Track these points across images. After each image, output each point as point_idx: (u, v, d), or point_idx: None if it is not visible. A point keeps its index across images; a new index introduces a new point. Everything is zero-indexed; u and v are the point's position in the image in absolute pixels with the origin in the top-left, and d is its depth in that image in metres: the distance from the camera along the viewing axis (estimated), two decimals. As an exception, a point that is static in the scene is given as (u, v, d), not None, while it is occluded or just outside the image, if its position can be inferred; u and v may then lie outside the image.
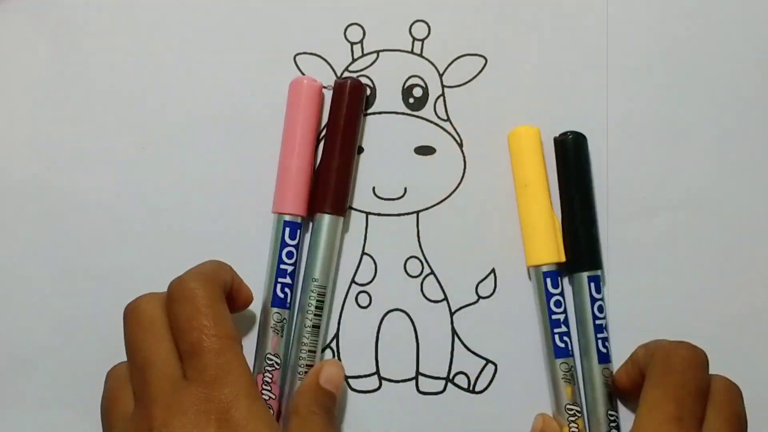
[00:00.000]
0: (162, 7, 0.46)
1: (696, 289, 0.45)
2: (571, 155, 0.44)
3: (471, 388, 0.45)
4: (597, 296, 0.43)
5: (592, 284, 0.43)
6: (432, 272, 0.45)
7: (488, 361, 0.45)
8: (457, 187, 0.46)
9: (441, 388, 0.45)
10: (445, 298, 0.45)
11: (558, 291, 0.43)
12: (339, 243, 0.44)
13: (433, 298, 0.45)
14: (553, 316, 0.43)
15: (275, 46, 0.46)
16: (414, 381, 0.45)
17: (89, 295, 0.45)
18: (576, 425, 0.42)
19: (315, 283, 0.43)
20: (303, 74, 0.46)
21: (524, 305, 0.45)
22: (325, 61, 0.46)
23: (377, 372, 0.45)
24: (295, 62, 0.46)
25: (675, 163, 0.46)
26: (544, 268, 0.43)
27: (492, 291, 0.45)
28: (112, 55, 0.46)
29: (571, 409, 0.42)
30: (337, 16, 0.46)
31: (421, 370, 0.45)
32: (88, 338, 0.45)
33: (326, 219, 0.43)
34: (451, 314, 0.45)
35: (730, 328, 0.45)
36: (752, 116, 0.46)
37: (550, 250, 0.43)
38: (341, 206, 0.44)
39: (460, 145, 0.46)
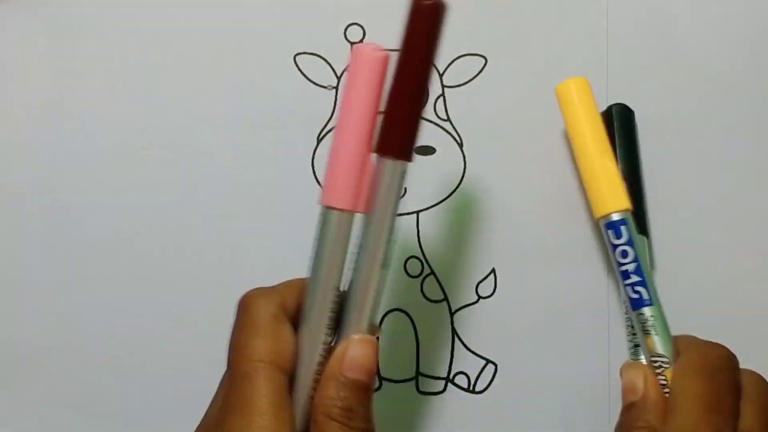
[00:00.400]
0: (162, 8, 0.46)
1: (694, 288, 0.45)
2: (622, 124, 0.44)
3: (471, 388, 0.45)
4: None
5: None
6: (432, 272, 0.45)
7: (488, 361, 0.45)
8: (457, 187, 0.46)
9: (441, 388, 0.45)
10: (445, 298, 0.45)
11: (622, 240, 0.40)
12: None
13: (433, 298, 0.46)
14: (621, 267, 0.40)
15: (275, 46, 0.46)
16: (414, 381, 0.45)
17: (89, 295, 0.45)
18: (664, 377, 0.39)
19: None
20: (303, 74, 0.46)
21: (525, 305, 0.45)
22: (325, 61, 0.46)
23: (377, 372, 0.45)
24: (295, 62, 0.46)
25: (675, 163, 0.46)
26: (609, 218, 0.40)
27: (492, 291, 0.45)
28: (112, 56, 0.46)
29: (656, 361, 0.39)
30: (337, 16, 0.46)
31: (421, 370, 0.45)
32: (88, 338, 0.45)
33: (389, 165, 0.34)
34: (451, 314, 0.45)
35: (728, 328, 0.45)
36: (753, 116, 0.46)
37: (616, 198, 0.41)
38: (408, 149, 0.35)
39: (460, 145, 0.46)
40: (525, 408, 0.45)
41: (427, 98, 0.36)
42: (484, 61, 0.46)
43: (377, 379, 0.45)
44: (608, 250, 0.41)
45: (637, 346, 0.42)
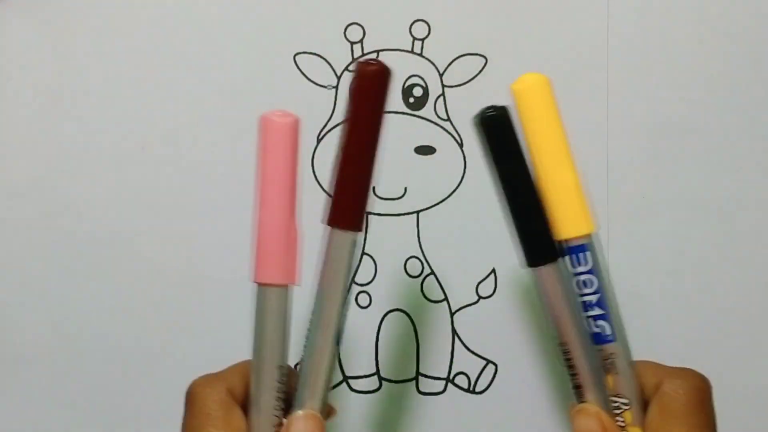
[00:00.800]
0: (162, 8, 0.46)
1: (696, 288, 0.45)
2: (500, 133, 0.35)
3: (471, 389, 0.45)
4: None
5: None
6: (432, 272, 0.45)
7: (489, 362, 0.45)
8: (457, 187, 0.46)
9: (441, 389, 0.45)
10: (446, 298, 0.45)
11: (582, 268, 0.35)
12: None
13: (433, 298, 0.45)
14: (582, 299, 0.35)
15: (275, 46, 0.46)
16: (414, 381, 0.45)
17: (89, 295, 0.45)
18: (622, 420, 0.35)
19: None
20: (303, 74, 0.46)
21: (525, 305, 0.45)
22: (325, 60, 0.46)
23: (377, 372, 0.45)
24: (295, 62, 0.46)
25: (675, 163, 0.46)
26: (568, 243, 0.35)
27: (492, 291, 0.45)
28: (111, 55, 0.46)
29: (614, 402, 0.35)
30: (337, 15, 0.46)
31: (421, 371, 0.45)
32: (87, 338, 0.45)
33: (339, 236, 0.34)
34: (452, 314, 0.45)
35: (729, 328, 0.45)
36: (752, 116, 0.46)
37: (575, 219, 0.35)
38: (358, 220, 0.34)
39: (460, 145, 0.46)
40: (525, 408, 0.45)
41: (375, 164, 0.33)
42: (484, 61, 0.46)
43: (377, 379, 0.45)
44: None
45: (578, 387, 0.35)
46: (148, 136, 0.46)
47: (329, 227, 0.33)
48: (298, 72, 0.46)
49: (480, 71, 0.46)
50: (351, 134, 0.33)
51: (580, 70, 0.46)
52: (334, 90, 0.46)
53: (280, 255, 0.33)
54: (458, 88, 0.46)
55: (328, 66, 0.46)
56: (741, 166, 0.46)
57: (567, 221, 0.35)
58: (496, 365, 0.45)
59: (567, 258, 0.35)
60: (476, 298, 0.45)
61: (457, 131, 0.46)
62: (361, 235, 0.33)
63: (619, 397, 0.36)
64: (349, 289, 0.33)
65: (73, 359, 0.45)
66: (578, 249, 0.35)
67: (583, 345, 0.35)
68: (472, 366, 0.45)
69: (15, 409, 0.45)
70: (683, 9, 0.46)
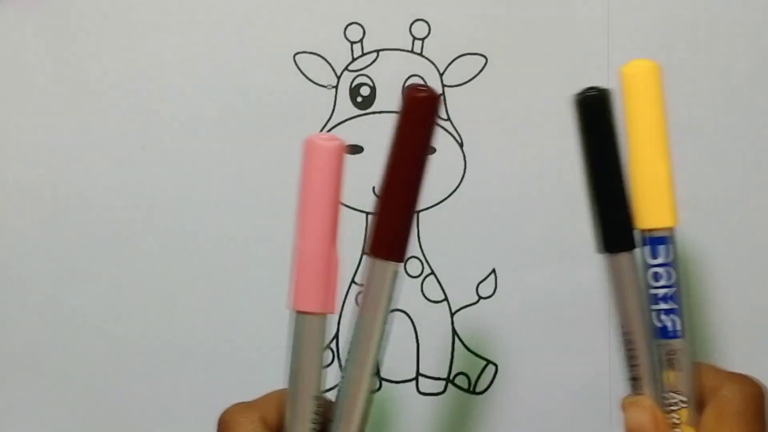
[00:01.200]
0: (161, 7, 0.46)
1: (694, 288, 0.45)
2: (597, 115, 0.35)
3: (471, 389, 0.45)
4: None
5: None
6: (432, 272, 0.45)
7: (489, 362, 0.45)
8: (457, 187, 0.46)
9: (441, 389, 0.45)
10: (446, 299, 0.45)
11: (657, 261, 0.35)
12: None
13: (433, 298, 0.45)
14: (651, 291, 0.35)
15: (275, 45, 0.46)
16: (414, 381, 0.45)
17: (89, 295, 0.45)
18: (677, 417, 0.35)
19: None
20: (303, 74, 0.46)
21: (525, 305, 0.45)
22: (325, 60, 0.46)
23: (377, 372, 0.45)
24: (295, 62, 0.46)
25: (675, 163, 0.46)
26: (648, 234, 0.35)
27: (492, 291, 0.45)
28: (111, 55, 0.46)
29: (671, 399, 0.35)
30: (337, 15, 0.46)
31: (421, 371, 0.45)
32: (88, 338, 0.45)
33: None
34: (452, 314, 0.45)
35: (727, 328, 0.45)
36: (753, 116, 0.46)
37: (658, 211, 0.35)
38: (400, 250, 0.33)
39: (461, 145, 0.46)
40: (525, 408, 0.45)
41: (420, 193, 0.32)
42: (484, 61, 0.46)
43: (377, 379, 0.45)
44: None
45: (635, 379, 0.35)
46: (148, 136, 0.46)
47: (370, 257, 0.33)
48: (298, 72, 0.46)
49: (480, 71, 0.46)
50: (396, 162, 0.32)
51: (580, 69, 0.46)
52: (334, 90, 0.46)
53: (319, 283, 0.32)
54: (458, 88, 0.46)
55: (328, 66, 0.46)
56: (741, 166, 0.46)
57: (652, 211, 0.35)
58: (496, 365, 0.45)
59: (645, 248, 0.35)
60: (476, 298, 0.45)
61: (457, 131, 0.46)
62: (401, 266, 0.33)
63: (678, 394, 0.35)
64: (387, 321, 0.33)
65: (73, 359, 0.45)
66: (659, 241, 0.35)
67: (647, 338, 0.34)
68: (472, 366, 0.45)
69: (15, 409, 0.45)
70: (683, 9, 0.46)
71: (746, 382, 0.35)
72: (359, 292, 0.33)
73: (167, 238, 0.46)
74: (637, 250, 0.34)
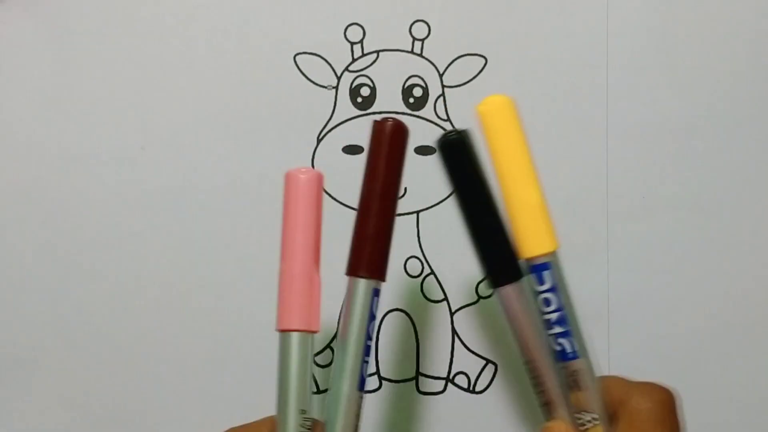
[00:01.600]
0: (162, 8, 0.46)
1: (694, 288, 0.45)
2: (460, 156, 0.35)
3: (471, 389, 0.45)
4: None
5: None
6: (432, 272, 0.45)
7: (488, 361, 0.45)
8: (457, 187, 0.46)
9: (441, 388, 0.45)
10: (445, 298, 0.45)
11: (544, 287, 0.35)
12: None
13: (433, 298, 0.45)
14: (544, 317, 0.36)
15: (275, 46, 0.46)
16: (414, 381, 0.45)
17: (89, 295, 0.45)
18: None
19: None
20: (303, 74, 0.46)
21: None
22: (325, 61, 0.46)
23: (377, 372, 0.45)
24: (295, 62, 0.46)
25: (675, 163, 0.46)
26: (531, 262, 0.35)
27: (492, 291, 0.45)
28: (112, 55, 0.46)
29: (582, 420, 0.36)
30: (337, 16, 0.46)
31: (421, 370, 0.45)
32: (88, 338, 0.45)
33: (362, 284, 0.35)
34: (451, 314, 0.45)
35: (729, 328, 0.45)
36: (753, 116, 0.46)
37: (537, 238, 0.35)
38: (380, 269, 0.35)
39: (460, 145, 0.46)
40: (525, 408, 0.45)
41: (394, 214, 0.35)
42: (484, 61, 0.46)
43: (377, 379, 0.45)
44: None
45: (547, 404, 0.35)
46: (148, 136, 0.46)
47: (351, 277, 0.34)
48: (298, 72, 0.46)
49: (480, 71, 0.46)
50: (370, 188, 0.35)
51: (580, 70, 0.46)
52: (334, 90, 0.46)
53: (303, 303, 0.35)
54: (458, 88, 0.46)
55: (328, 66, 0.46)
56: (741, 166, 0.46)
57: (531, 240, 0.35)
58: (496, 365, 0.45)
59: (531, 276, 0.35)
60: (476, 298, 0.45)
61: (457, 131, 0.46)
62: (381, 284, 0.34)
63: (588, 412, 0.36)
64: (370, 338, 0.34)
65: (73, 359, 0.45)
66: (542, 267, 0.36)
67: (550, 363, 0.35)
68: (472, 366, 0.45)
69: (15, 409, 0.45)
70: (683, 8, 0.46)
71: (654, 389, 0.35)
72: (341, 310, 0.35)
73: (167, 238, 0.46)
74: (526, 279, 0.35)
